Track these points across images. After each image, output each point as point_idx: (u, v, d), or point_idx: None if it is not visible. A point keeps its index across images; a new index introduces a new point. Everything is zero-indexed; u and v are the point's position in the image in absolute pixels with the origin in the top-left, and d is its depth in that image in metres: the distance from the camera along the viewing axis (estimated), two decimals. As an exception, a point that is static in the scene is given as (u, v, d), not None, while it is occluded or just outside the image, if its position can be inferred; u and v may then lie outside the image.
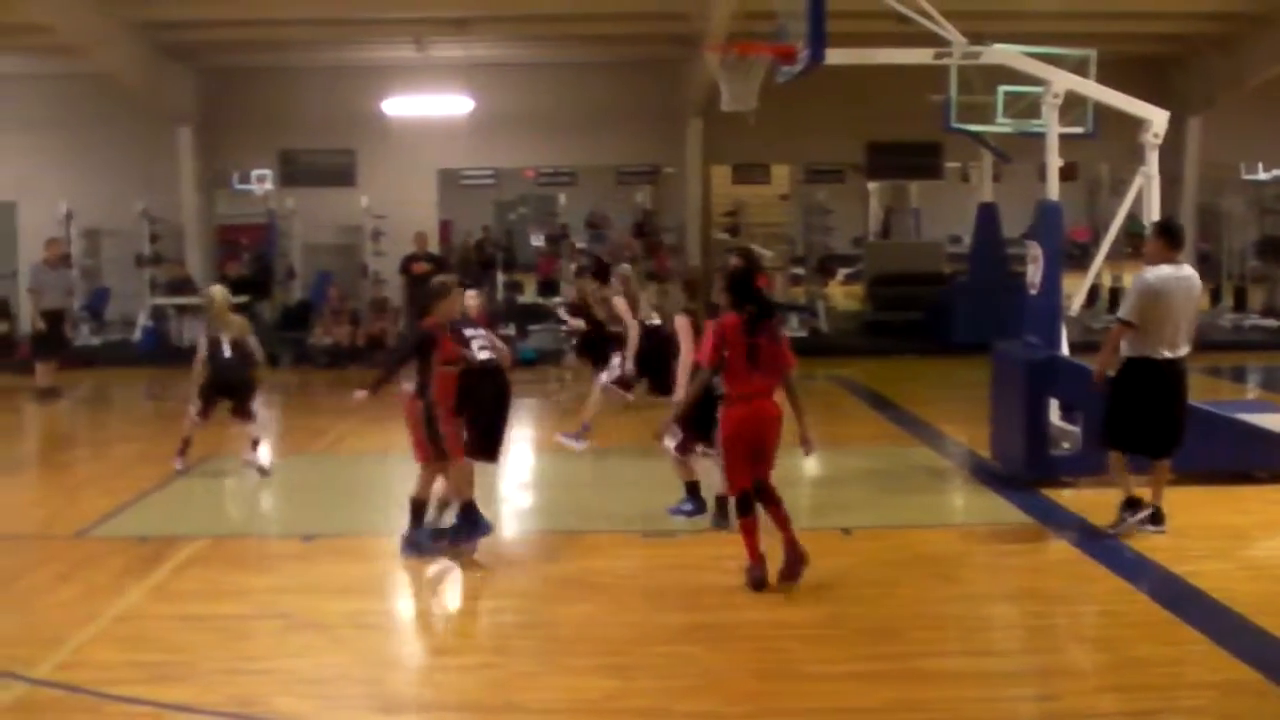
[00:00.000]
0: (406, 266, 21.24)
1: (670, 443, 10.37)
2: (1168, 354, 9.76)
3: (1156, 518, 9.95)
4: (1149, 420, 9.86)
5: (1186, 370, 9.96)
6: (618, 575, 9.28)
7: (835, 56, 11.66)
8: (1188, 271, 9.98)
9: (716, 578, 9.01)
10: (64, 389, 19.36)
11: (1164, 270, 9.78)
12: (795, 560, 8.72)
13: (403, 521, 9.88)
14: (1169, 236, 9.99)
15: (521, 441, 14.41)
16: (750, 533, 8.76)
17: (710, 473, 10.49)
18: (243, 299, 23.08)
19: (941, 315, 23.29)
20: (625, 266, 15.34)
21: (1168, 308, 9.72)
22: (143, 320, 24.46)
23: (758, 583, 8.66)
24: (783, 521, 8.81)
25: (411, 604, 9.25)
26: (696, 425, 10.02)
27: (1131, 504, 9.99)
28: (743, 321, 8.71)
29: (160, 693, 6.97)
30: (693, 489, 10.73)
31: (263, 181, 25.79)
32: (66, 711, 6.82)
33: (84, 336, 24.38)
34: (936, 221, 32.08)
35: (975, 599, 8.84)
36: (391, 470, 12.51)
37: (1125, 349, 9.90)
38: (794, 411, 8.88)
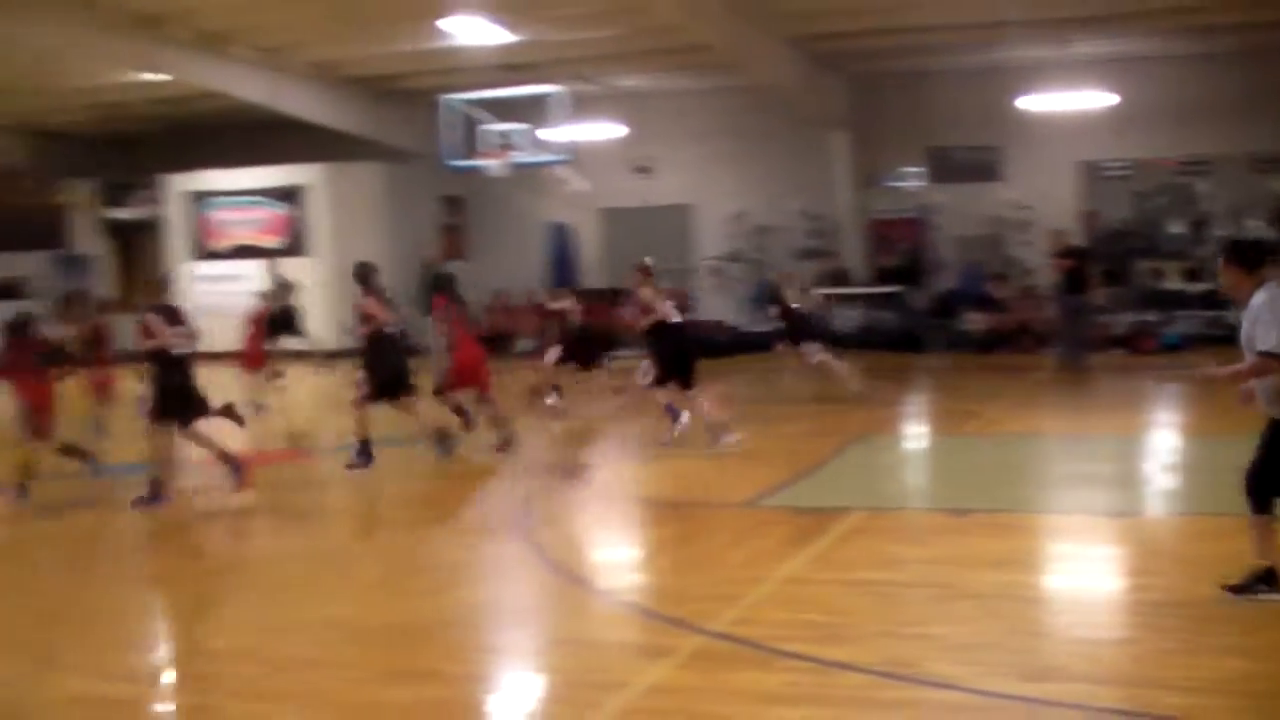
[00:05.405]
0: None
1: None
2: None
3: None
4: None
5: None
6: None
7: None
8: None
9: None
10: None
11: None
12: None
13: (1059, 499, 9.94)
14: None
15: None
16: None
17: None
18: (895, 289, 24.58)
19: None
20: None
21: None
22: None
23: None
24: None
25: (1063, 579, 9.30)
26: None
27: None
28: None
29: (822, 651, 7.34)
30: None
31: (913, 179, 26.63)
32: (740, 662, 7.31)
33: (748, 325, 26.56)
34: None
35: None
36: (1044, 450, 12.65)
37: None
38: None
